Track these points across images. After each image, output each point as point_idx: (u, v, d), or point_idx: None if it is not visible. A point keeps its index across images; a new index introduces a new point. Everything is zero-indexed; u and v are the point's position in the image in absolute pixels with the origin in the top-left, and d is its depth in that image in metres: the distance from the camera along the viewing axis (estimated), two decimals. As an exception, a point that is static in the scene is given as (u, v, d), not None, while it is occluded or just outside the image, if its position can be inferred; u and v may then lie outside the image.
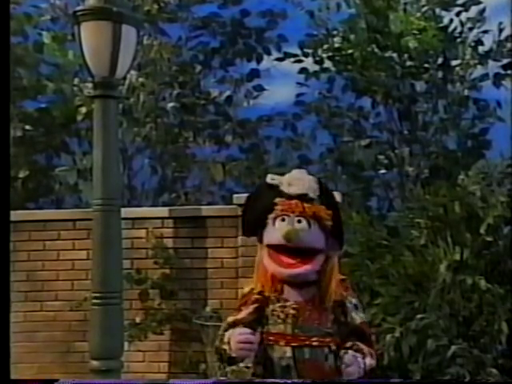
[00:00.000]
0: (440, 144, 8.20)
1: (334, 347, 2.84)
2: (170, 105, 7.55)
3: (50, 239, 5.87)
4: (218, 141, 8.44)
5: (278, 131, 8.72)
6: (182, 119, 8.33)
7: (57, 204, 8.12)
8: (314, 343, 2.84)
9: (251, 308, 2.86)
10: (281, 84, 8.96)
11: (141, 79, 7.92)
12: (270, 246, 2.84)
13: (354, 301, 2.92)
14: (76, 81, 8.01)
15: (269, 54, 8.83)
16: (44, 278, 5.84)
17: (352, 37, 8.00)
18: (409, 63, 8.10)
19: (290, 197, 2.83)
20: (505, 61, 8.14)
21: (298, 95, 8.73)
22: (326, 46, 8.22)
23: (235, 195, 5.92)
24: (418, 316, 5.61)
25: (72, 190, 7.86)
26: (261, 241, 2.92)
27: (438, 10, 8.11)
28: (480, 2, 8.05)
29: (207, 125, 8.59)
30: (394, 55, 8.06)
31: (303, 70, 8.52)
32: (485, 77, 8.18)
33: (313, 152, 8.60)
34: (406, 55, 8.04)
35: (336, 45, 8.14)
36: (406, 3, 7.98)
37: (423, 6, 8.02)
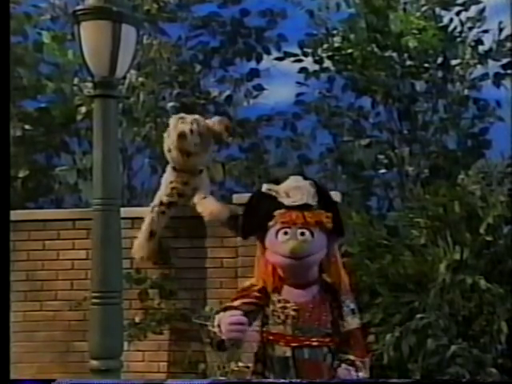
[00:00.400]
0: (440, 144, 8.20)
1: (333, 347, 2.85)
2: (170, 104, 7.54)
3: (49, 239, 5.87)
4: (218, 140, 8.42)
5: (278, 131, 8.72)
6: (181, 119, 8.32)
7: (56, 204, 8.12)
8: (314, 343, 2.84)
9: (248, 299, 2.86)
10: (280, 83, 8.97)
11: (141, 79, 7.92)
12: (275, 260, 2.85)
13: (351, 305, 2.93)
14: (76, 80, 8.01)
15: (268, 53, 8.83)
16: (43, 278, 5.84)
17: (352, 36, 8.00)
18: (409, 63, 8.10)
19: (289, 207, 2.82)
20: (505, 60, 8.13)
21: (298, 95, 8.73)
22: (325, 46, 8.22)
23: (235, 195, 5.92)
24: (418, 316, 5.61)
25: (72, 189, 7.86)
26: (261, 241, 2.92)
27: (437, 10, 8.11)
28: (480, 2, 8.05)
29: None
30: (394, 55, 8.06)
31: (303, 70, 8.52)
32: (485, 76, 8.18)
33: (313, 152, 8.60)
34: (405, 55, 8.04)
35: (336, 44, 8.14)
36: (405, 3, 7.98)
37: (423, 5, 8.01)
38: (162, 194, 5.71)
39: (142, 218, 5.70)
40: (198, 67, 8.71)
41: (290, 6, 8.54)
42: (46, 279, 5.83)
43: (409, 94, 8.17)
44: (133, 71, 7.44)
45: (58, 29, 8.32)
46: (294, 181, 2.88)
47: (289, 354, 2.84)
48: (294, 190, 2.83)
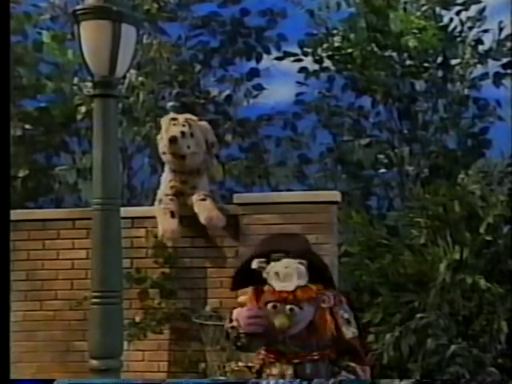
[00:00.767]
0: (440, 143, 8.20)
1: (333, 356, 2.85)
2: (170, 104, 7.53)
3: (49, 238, 5.86)
4: (218, 140, 8.42)
5: (278, 130, 8.72)
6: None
7: (56, 203, 8.12)
8: (316, 357, 2.84)
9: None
10: (280, 83, 8.97)
11: (140, 78, 7.92)
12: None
13: (346, 315, 2.91)
14: (75, 80, 8.02)
15: (268, 53, 8.83)
16: (43, 277, 5.83)
17: (352, 36, 8.00)
18: (409, 62, 8.10)
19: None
20: (505, 60, 8.14)
21: (298, 94, 8.73)
22: (325, 45, 8.22)
23: (235, 194, 5.92)
24: (418, 315, 5.61)
25: (71, 189, 7.86)
26: (254, 292, 2.91)
27: (437, 9, 8.11)
28: (480, 1, 8.05)
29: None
30: (394, 54, 8.06)
31: (303, 69, 8.52)
32: (485, 76, 8.18)
33: (313, 151, 8.60)
34: (405, 54, 8.04)
35: (336, 44, 8.14)
36: (405, 2, 7.98)
37: (423, 5, 8.02)
38: (163, 192, 5.72)
39: (142, 218, 5.70)
40: (198, 67, 8.71)
41: (290, 5, 8.55)
42: (46, 279, 5.83)
43: (409, 94, 8.17)
44: (133, 71, 7.44)
45: (58, 28, 8.33)
46: (285, 265, 2.82)
47: (290, 371, 2.85)
48: (286, 276, 2.79)
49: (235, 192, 6.88)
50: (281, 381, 2.84)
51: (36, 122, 8.15)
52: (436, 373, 5.49)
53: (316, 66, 8.44)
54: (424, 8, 7.99)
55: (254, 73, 8.85)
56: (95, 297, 4.76)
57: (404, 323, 5.63)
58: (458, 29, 8.07)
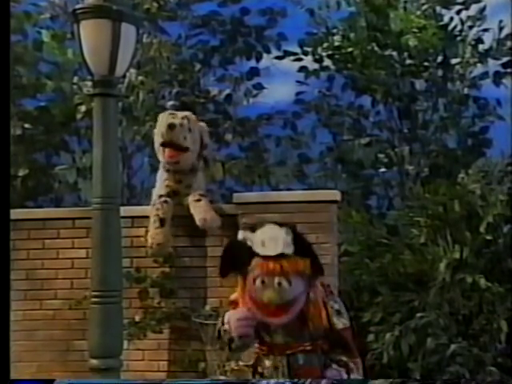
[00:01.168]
0: (440, 142, 8.20)
1: (326, 348, 2.85)
2: (170, 103, 7.53)
3: (49, 238, 5.86)
4: (218, 139, 8.43)
5: (278, 130, 8.72)
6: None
7: (56, 202, 8.11)
8: (308, 347, 2.84)
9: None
10: (280, 82, 8.97)
11: (140, 77, 7.92)
12: (253, 301, 2.84)
13: (336, 306, 2.91)
14: (75, 79, 8.01)
15: (268, 52, 8.82)
16: (43, 277, 5.83)
17: (352, 35, 8.01)
18: (409, 61, 8.10)
19: (265, 257, 2.80)
20: (505, 59, 8.14)
21: (298, 94, 8.73)
22: (325, 45, 8.22)
23: (235, 194, 5.92)
24: (418, 314, 5.62)
25: (71, 188, 7.86)
26: (242, 280, 2.92)
27: (438, 9, 8.12)
28: (480, 1, 8.05)
29: (207, 123, 8.55)
30: (394, 53, 8.06)
31: (303, 69, 8.52)
32: (485, 75, 8.18)
33: (313, 150, 8.59)
34: (405, 53, 8.05)
35: (336, 43, 8.14)
36: (406, 1, 7.98)
37: (423, 4, 8.02)
38: (157, 193, 5.72)
39: (141, 217, 5.70)
40: (198, 66, 8.71)
41: (290, 4, 8.55)
42: (46, 278, 5.82)
43: (409, 93, 8.17)
44: (132, 70, 7.43)
45: (58, 27, 8.33)
46: (269, 230, 2.84)
47: (283, 362, 2.85)
48: (270, 240, 2.80)
49: (235, 191, 6.88)
50: (281, 381, 2.84)
51: (36, 121, 8.15)
52: (436, 372, 5.49)
53: (316, 65, 8.44)
54: (424, 7, 8.00)
55: (254, 72, 8.85)
56: (95, 296, 4.76)
57: (404, 322, 5.64)
58: (458, 28, 8.07)
